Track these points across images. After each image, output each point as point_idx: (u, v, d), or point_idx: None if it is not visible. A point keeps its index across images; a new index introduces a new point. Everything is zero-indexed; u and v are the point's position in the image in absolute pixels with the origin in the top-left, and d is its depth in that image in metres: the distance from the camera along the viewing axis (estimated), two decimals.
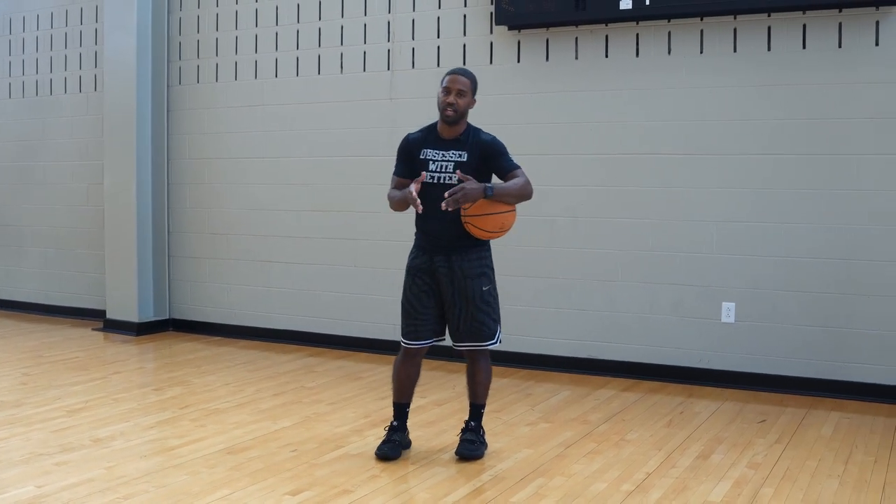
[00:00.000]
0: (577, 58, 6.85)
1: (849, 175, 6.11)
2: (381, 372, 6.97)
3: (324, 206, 7.89)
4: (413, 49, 7.45)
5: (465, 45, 7.24)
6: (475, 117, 7.03)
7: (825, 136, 6.16)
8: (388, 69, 7.55)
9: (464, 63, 7.22)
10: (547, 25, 6.86)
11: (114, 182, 8.55)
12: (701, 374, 6.54)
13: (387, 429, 4.96)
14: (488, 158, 4.73)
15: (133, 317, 8.47)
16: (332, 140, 7.82)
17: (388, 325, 7.60)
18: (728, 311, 6.47)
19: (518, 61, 7.04)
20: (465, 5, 7.21)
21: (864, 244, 6.09)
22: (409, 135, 4.89)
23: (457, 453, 4.87)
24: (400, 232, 7.48)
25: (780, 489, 4.39)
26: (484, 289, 4.77)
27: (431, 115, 7.23)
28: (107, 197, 8.64)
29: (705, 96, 6.47)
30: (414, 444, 5.09)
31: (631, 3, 6.43)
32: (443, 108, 4.68)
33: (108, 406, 5.90)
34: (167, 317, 8.72)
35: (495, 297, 4.87)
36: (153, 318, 8.60)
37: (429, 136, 4.81)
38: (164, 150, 8.59)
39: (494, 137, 4.81)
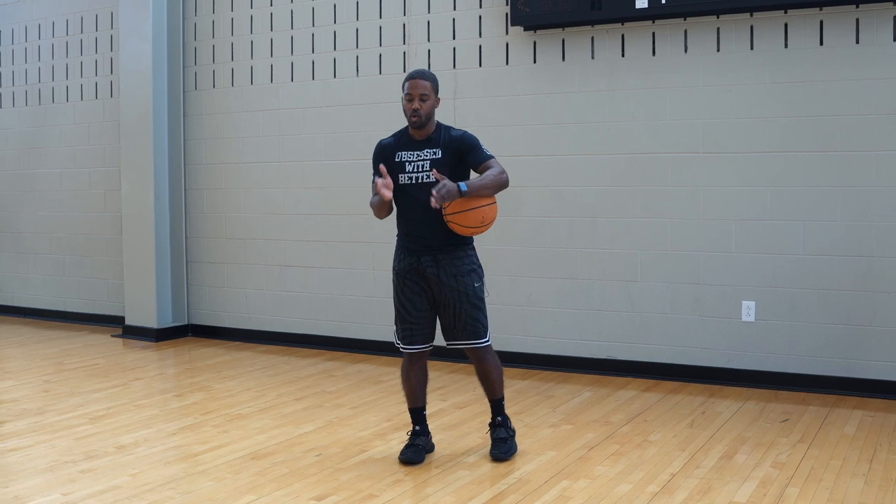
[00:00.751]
0: (593, 58, 6.83)
1: (868, 171, 6.07)
2: (399, 375, 6.94)
3: (341, 209, 7.90)
4: (429, 51, 7.45)
5: (480, 47, 7.24)
6: (493, 117, 7.08)
7: (843, 133, 6.12)
8: (405, 71, 7.55)
9: (479, 65, 7.23)
10: (563, 26, 6.85)
11: (131, 188, 8.58)
12: (722, 374, 6.52)
13: (409, 434, 4.99)
14: (462, 153, 4.80)
15: (152, 323, 8.50)
16: (349, 143, 7.82)
17: None
18: (748, 310, 6.45)
19: (534, 62, 7.03)
20: (481, 6, 7.21)
21: (884, 240, 6.05)
22: (381, 141, 4.97)
23: (491, 455, 4.88)
24: None
25: (806, 489, 4.37)
26: (476, 285, 4.84)
27: (448, 117, 7.29)
28: (124, 203, 8.67)
29: (722, 94, 6.45)
30: (437, 448, 5.10)
31: (647, 1, 6.41)
32: (409, 115, 4.73)
33: (130, 413, 5.92)
34: (186, 322, 8.75)
35: (483, 294, 4.93)
36: (172, 324, 8.63)
37: (401, 140, 4.88)
38: (180, 156, 8.61)
39: (465, 132, 4.88)
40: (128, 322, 8.69)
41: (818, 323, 6.26)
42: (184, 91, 8.60)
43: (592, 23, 6.74)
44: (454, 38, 7.35)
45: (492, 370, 4.96)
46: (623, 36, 6.74)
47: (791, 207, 6.29)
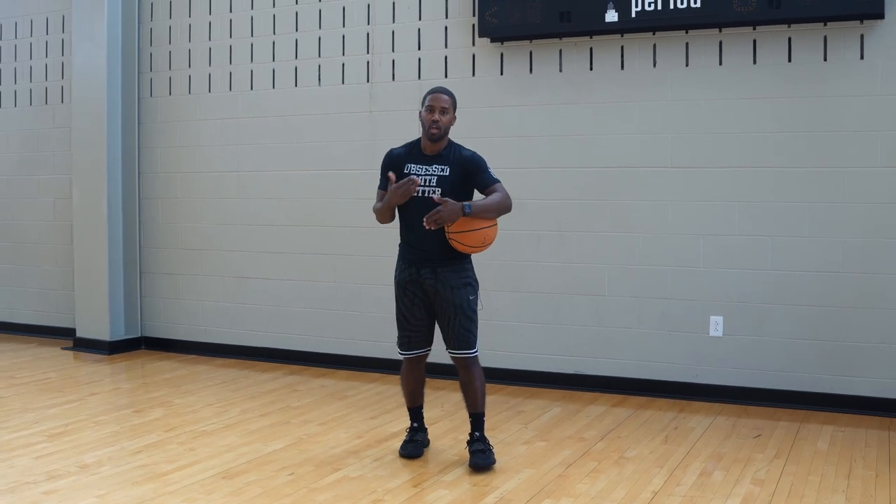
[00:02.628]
0: (561, 70, 6.81)
1: (835, 188, 6.13)
2: (365, 390, 6.86)
3: (301, 220, 7.77)
4: (393, 61, 7.37)
5: (446, 58, 7.17)
6: (459, 129, 6.99)
7: (811, 149, 6.17)
8: (368, 81, 7.45)
9: (445, 76, 7.15)
10: (531, 38, 6.81)
11: (83, 196, 8.35)
12: (691, 389, 6.52)
13: (408, 430, 5.27)
14: (469, 174, 4.92)
15: (104, 335, 8.27)
16: (310, 153, 7.70)
17: (370, 343, 7.51)
18: (716, 325, 6.46)
19: (501, 74, 6.98)
20: (447, 17, 7.14)
21: (852, 256, 6.11)
22: (392, 150, 5.08)
23: (471, 465, 4.92)
24: (381, 247, 7.41)
25: None
26: (471, 298, 4.96)
27: (412, 128, 7.20)
28: (76, 212, 8.43)
29: (691, 109, 6.46)
30: (413, 466, 5.01)
31: (616, 15, 6.41)
32: (427, 126, 4.86)
33: (89, 430, 5.73)
34: (139, 335, 8.53)
35: (477, 307, 5.04)
36: (125, 337, 8.40)
37: (412, 152, 4.99)
38: (135, 164, 8.40)
39: (474, 153, 4.99)
40: (79, 334, 8.44)
41: (786, 338, 6.29)
42: (139, 98, 8.40)
43: (561, 35, 6.72)
44: (419, 49, 7.27)
45: (475, 380, 5.03)
46: (591, 49, 6.72)
47: (759, 223, 6.31)
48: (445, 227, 4.79)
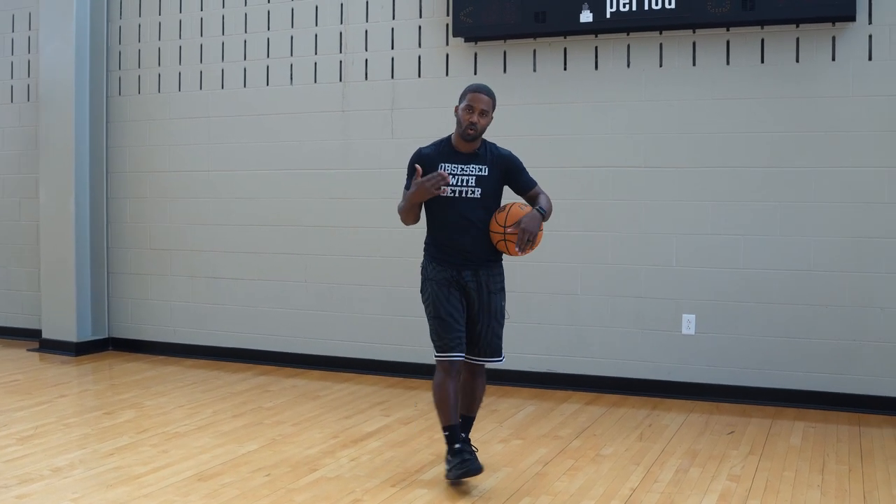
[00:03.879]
0: (535, 70, 6.82)
1: (806, 187, 6.19)
2: (337, 390, 6.83)
3: (273, 220, 7.72)
4: (366, 60, 7.34)
5: (420, 57, 7.16)
6: (432, 129, 6.98)
7: (782, 149, 6.23)
8: (341, 80, 7.42)
9: (419, 75, 7.15)
10: (505, 38, 6.82)
11: (50, 196, 8.24)
12: (664, 387, 6.56)
13: (453, 453, 4.61)
14: (509, 174, 4.78)
15: (71, 336, 8.16)
16: (282, 153, 7.65)
17: (342, 343, 7.48)
18: (689, 323, 6.50)
19: (475, 73, 6.98)
20: (421, 16, 7.13)
21: (823, 256, 6.17)
22: (421, 150, 4.78)
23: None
24: (352, 247, 7.39)
25: (766, 501, 4.39)
26: (503, 304, 4.80)
27: (384, 128, 7.20)
28: (42, 212, 8.32)
29: (664, 109, 6.50)
30: (390, 466, 4.99)
31: (591, 16, 6.43)
32: (465, 126, 4.60)
33: (60, 432, 5.64)
34: (106, 336, 8.43)
35: (505, 313, 4.87)
36: (91, 338, 8.30)
37: (444, 150, 4.73)
38: (103, 163, 8.31)
39: (511, 152, 4.84)
40: (45, 335, 8.33)
41: (757, 336, 6.34)
42: (107, 96, 8.30)
43: (535, 35, 6.73)
44: (393, 48, 7.25)
45: (480, 387, 4.89)
46: (566, 49, 6.74)
47: (732, 222, 6.36)
48: (500, 226, 4.59)
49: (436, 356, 4.73)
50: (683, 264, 6.50)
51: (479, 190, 4.66)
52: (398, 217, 4.79)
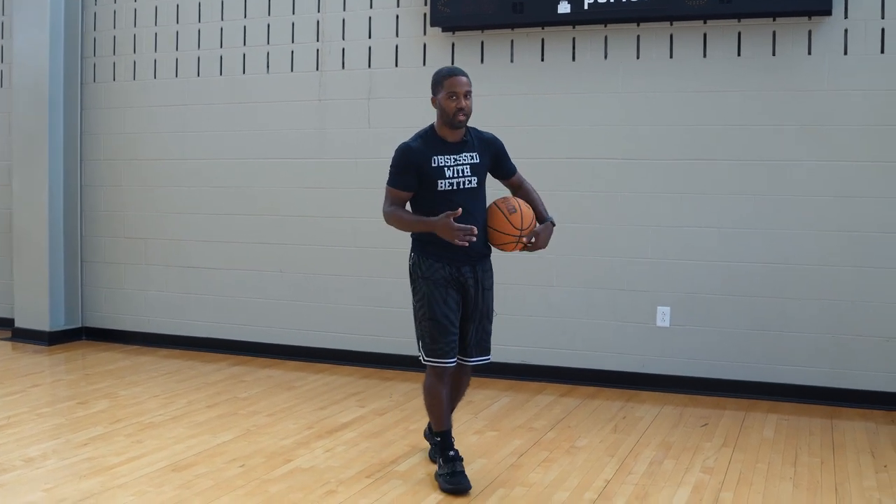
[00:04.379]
0: (512, 61, 6.81)
1: (782, 181, 6.22)
2: (312, 381, 6.81)
3: (249, 210, 7.68)
4: (343, 49, 7.30)
5: (397, 46, 7.13)
6: (409, 119, 6.96)
7: (758, 143, 6.26)
8: (318, 69, 7.38)
9: (396, 65, 7.12)
10: (482, 28, 6.80)
11: (23, 184, 8.15)
12: (638, 379, 6.58)
13: (445, 461, 4.51)
14: (496, 158, 4.64)
15: (44, 325, 8.09)
16: (258, 142, 7.61)
17: (317, 333, 7.46)
18: (663, 316, 6.53)
19: (452, 63, 6.95)
20: (398, 6, 7.10)
21: (798, 249, 6.20)
22: (408, 145, 4.48)
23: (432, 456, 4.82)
24: (329, 237, 7.37)
25: (739, 493, 4.42)
26: (492, 301, 4.69)
27: (361, 117, 7.17)
28: (15, 200, 8.23)
29: (641, 101, 6.51)
30: (364, 456, 4.98)
31: (569, 7, 6.43)
32: (454, 113, 4.37)
33: (33, 422, 5.60)
34: (80, 325, 8.36)
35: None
36: (65, 327, 8.23)
37: (431, 143, 4.48)
38: (77, 151, 8.23)
39: (494, 135, 4.68)
40: (18, 324, 8.24)
41: (732, 328, 6.37)
42: (82, 83, 8.22)
43: (513, 26, 6.72)
44: (370, 37, 7.22)
45: (465, 383, 4.80)
46: (543, 40, 6.73)
47: (707, 214, 6.38)
48: (512, 231, 4.44)
49: (426, 360, 4.53)
50: (659, 257, 6.52)
51: (476, 179, 4.49)
52: (378, 209, 4.62)
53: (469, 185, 4.47)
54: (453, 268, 4.48)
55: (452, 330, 4.49)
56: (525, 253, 6.68)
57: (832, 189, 6.12)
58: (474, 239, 4.29)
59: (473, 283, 4.53)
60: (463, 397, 4.90)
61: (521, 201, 4.57)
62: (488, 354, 4.71)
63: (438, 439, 4.59)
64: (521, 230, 4.45)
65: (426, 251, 4.53)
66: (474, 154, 4.52)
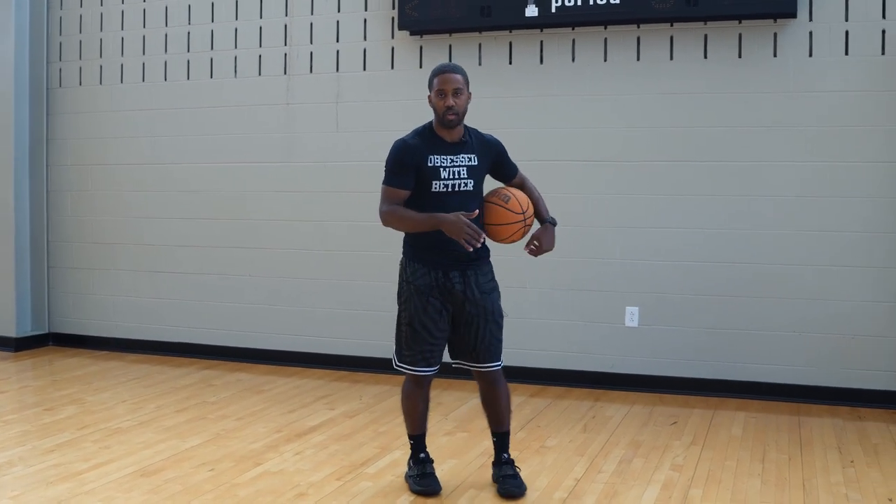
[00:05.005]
0: (480, 64, 6.83)
1: (747, 181, 6.28)
2: (281, 384, 6.79)
3: (217, 214, 7.65)
4: (311, 53, 7.30)
5: (365, 50, 7.14)
6: (377, 122, 6.98)
7: (725, 144, 6.31)
8: (285, 73, 7.37)
9: (364, 68, 7.13)
10: (450, 31, 6.82)
11: None
12: (607, 379, 6.62)
13: (415, 462, 4.51)
14: (496, 161, 4.48)
15: (10, 331, 8.01)
16: (226, 146, 7.58)
17: (286, 337, 7.45)
18: (632, 316, 6.56)
19: (420, 67, 6.97)
20: (367, 9, 7.10)
21: (765, 248, 6.26)
22: (405, 141, 4.32)
23: (502, 493, 4.37)
24: (297, 241, 7.36)
25: (708, 490, 4.45)
26: (499, 303, 4.50)
27: (329, 121, 7.16)
28: None
29: (608, 104, 6.55)
30: (334, 459, 4.97)
31: (536, 10, 6.46)
32: (443, 113, 4.23)
33: None
34: (47, 331, 8.29)
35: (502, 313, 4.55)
36: (31, 333, 8.15)
37: (430, 141, 4.31)
38: (42, 156, 8.17)
39: (494, 137, 4.51)
40: None
41: (700, 327, 6.42)
42: (48, 88, 8.16)
43: (481, 29, 6.74)
44: (338, 41, 7.22)
45: (503, 395, 4.53)
46: (511, 43, 6.76)
47: (675, 215, 6.43)
48: (514, 217, 4.35)
49: (396, 365, 4.45)
50: (627, 257, 6.56)
51: (472, 181, 4.32)
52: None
53: (464, 188, 4.30)
54: (439, 272, 4.31)
55: (429, 340, 4.34)
56: (493, 255, 6.72)
57: (797, 189, 6.18)
58: (479, 245, 4.12)
59: (462, 287, 4.33)
60: (510, 411, 4.60)
61: (510, 188, 4.46)
62: (498, 360, 4.49)
63: (412, 442, 4.55)
64: (524, 212, 4.35)
65: (415, 255, 4.38)
66: (472, 156, 4.34)
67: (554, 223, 4.52)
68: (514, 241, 4.46)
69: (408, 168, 4.27)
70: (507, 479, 4.43)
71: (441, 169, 4.27)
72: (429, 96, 4.31)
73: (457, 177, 4.29)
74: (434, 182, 4.27)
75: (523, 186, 4.59)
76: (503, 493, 4.37)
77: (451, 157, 4.29)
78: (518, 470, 4.51)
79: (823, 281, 6.17)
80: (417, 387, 4.46)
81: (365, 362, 7.15)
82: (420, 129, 4.38)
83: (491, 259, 4.49)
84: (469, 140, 4.36)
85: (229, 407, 6.13)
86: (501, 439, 4.54)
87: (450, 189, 4.28)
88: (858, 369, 6.14)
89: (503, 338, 4.51)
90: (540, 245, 4.47)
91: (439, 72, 4.29)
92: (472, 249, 4.13)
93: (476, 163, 4.34)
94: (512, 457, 4.57)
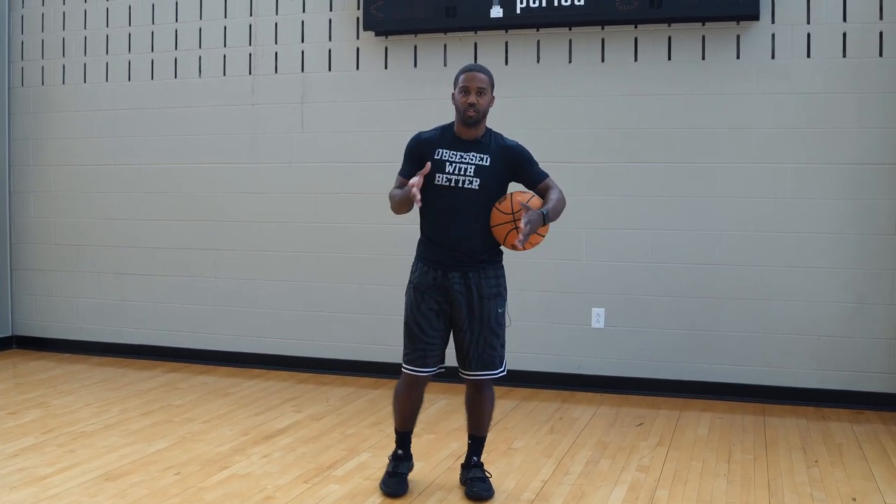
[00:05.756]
0: (445, 65, 6.83)
1: (712, 183, 6.33)
2: (247, 387, 6.76)
3: (181, 215, 7.59)
4: (276, 53, 7.27)
5: (330, 51, 7.12)
6: (343, 123, 6.95)
7: (689, 145, 6.36)
8: (250, 74, 7.33)
9: (329, 69, 7.11)
10: (416, 32, 6.81)
11: None
12: (573, 380, 6.64)
13: (391, 458, 4.55)
14: (517, 167, 4.39)
15: None
16: (190, 147, 7.53)
17: (252, 339, 7.41)
18: (598, 317, 6.59)
19: (385, 68, 6.96)
20: (331, 10, 7.08)
21: (727, 249, 6.32)
22: (420, 133, 4.43)
23: (469, 496, 4.39)
24: (263, 241, 7.33)
25: (674, 491, 4.48)
26: (499, 310, 4.42)
27: (294, 121, 7.13)
28: None
29: (573, 105, 6.58)
30: (301, 462, 4.96)
31: (501, 11, 6.47)
32: (464, 109, 4.24)
33: None
34: (10, 334, 8.20)
35: (504, 321, 4.51)
36: None
37: (444, 136, 4.36)
38: (4, 156, 8.07)
39: (518, 143, 4.44)
40: None
41: (665, 329, 6.46)
42: (9, 87, 8.06)
43: (446, 30, 6.74)
44: (303, 41, 7.19)
45: (486, 402, 4.50)
46: (476, 44, 6.77)
47: (640, 216, 6.47)
48: (511, 216, 4.23)
49: (403, 365, 4.45)
50: (593, 258, 6.59)
51: (478, 181, 4.27)
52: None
53: (469, 186, 4.27)
54: (439, 272, 4.32)
55: (423, 338, 4.35)
56: None
57: (761, 190, 6.24)
58: (415, 199, 4.11)
59: (463, 290, 4.32)
60: (490, 418, 4.58)
61: (520, 192, 4.37)
62: (492, 370, 4.41)
63: (396, 435, 4.59)
64: (513, 213, 4.23)
65: (421, 255, 4.43)
66: (485, 157, 4.31)
67: (545, 214, 4.22)
68: (515, 246, 4.25)
69: (413, 159, 4.37)
70: (475, 481, 4.45)
71: (447, 163, 4.30)
72: (452, 93, 4.33)
73: (461, 173, 4.28)
74: (437, 175, 4.29)
75: (546, 192, 4.40)
76: (471, 495, 4.39)
77: (462, 153, 4.31)
78: (488, 475, 4.52)
79: (789, 282, 6.23)
80: (409, 386, 4.46)
81: (330, 364, 7.13)
82: (442, 125, 4.45)
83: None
84: (486, 141, 4.35)
85: (195, 410, 6.09)
86: (476, 443, 4.57)
87: (452, 184, 4.28)
88: (823, 370, 6.21)
89: (502, 347, 4.47)
90: (526, 220, 4.11)
91: (467, 70, 4.31)
92: (416, 206, 4.19)
93: (487, 164, 4.30)
94: (482, 461, 4.58)
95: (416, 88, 6.90)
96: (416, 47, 6.91)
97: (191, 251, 7.58)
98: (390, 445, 5.10)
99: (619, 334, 6.56)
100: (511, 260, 6.69)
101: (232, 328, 7.50)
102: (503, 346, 4.47)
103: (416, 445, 5.24)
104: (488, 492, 4.40)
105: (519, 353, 6.76)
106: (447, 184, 4.28)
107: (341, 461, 4.97)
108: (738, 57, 6.23)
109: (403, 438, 4.58)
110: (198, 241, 7.56)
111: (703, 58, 6.30)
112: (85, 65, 7.85)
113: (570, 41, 6.56)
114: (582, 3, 6.29)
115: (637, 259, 6.49)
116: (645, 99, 6.42)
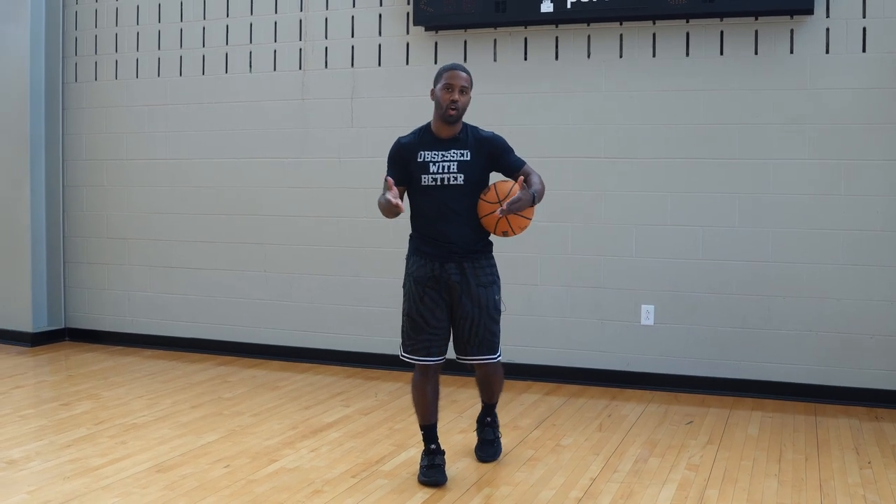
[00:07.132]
0: (495, 60, 6.81)
1: (764, 179, 6.24)
2: (297, 381, 6.80)
3: (231, 209, 7.65)
4: (326, 48, 7.29)
5: (380, 46, 7.13)
6: (393, 118, 6.96)
7: (741, 141, 6.28)
8: (300, 69, 7.37)
9: (379, 64, 7.12)
10: (465, 27, 6.80)
11: (4, 184, 8.10)
12: (622, 377, 6.60)
13: (425, 453, 4.62)
14: (495, 157, 4.57)
15: (27, 326, 8.04)
16: (241, 141, 7.59)
17: (301, 333, 7.45)
18: (647, 314, 6.54)
19: (435, 62, 6.95)
20: (381, 5, 7.09)
21: (779, 246, 6.23)
22: (399, 139, 4.60)
23: (478, 456, 4.91)
24: (312, 236, 7.36)
25: (724, 491, 4.44)
26: (496, 297, 4.62)
27: (344, 117, 7.16)
28: None
29: (625, 100, 6.52)
30: (350, 456, 4.98)
31: (552, 6, 6.44)
32: (446, 106, 4.43)
33: (15, 424, 5.57)
34: (63, 326, 8.32)
35: (500, 307, 4.69)
36: (48, 328, 8.18)
37: (423, 138, 4.54)
38: (58, 151, 8.19)
39: (494, 133, 4.64)
40: (0, 326, 8.20)
41: (715, 326, 6.39)
42: (63, 83, 8.18)
43: (496, 25, 6.72)
44: (353, 36, 7.21)
45: (496, 381, 4.86)
46: (526, 39, 6.74)
47: (690, 213, 6.40)
48: (500, 205, 4.37)
49: (402, 355, 4.64)
50: (643, 255, 6.53)
51: (462, 176, 4.46)
52: (377, 207, 4.53)
53: (454, 182, 4.46)
54: (436, 264, 4.51)
55: (427, 329, 4.52)
56: (508, 252, 6.73)
57: (813, 187, 6.15)
58: (399, 209, 4.26)
59: (460, 279, 4.50)
60: (501, 389, 4.97)
61: (502, 182, 4.54)
62: (493, 353, 4.63)
63: (423, 433, 4.66)
64: (499, 202, 4.40)
65: (415, 248, 4.60)
66: (465, 151, 4.50)
67: (533, 196, 4.37)
68: (506, 233, 4.53)
69: (397, 164, 4.54)
70: (484, 444, 4.91)
71: (430, 164, 4.48)
72: (433, 90, 4.52)
73: (446, 171, 4.47)
74: (423, 176, 4.48)
75: (526, 178, 4.49)
76: (478, 457, 4.89)
77: (443, 152, 4.49)
78: (498, 435, 4.96)
79: (840, 279, 6.13)
80: (423, 376, 4.60)
81: (378, 359, 7.15)
82: (419, 128, 4.63)
83: (501, 255, 4.61)
84: (464, 137, 4.53)
85: (244, 403, 6.14)
86: (488, 407, 4.97)
87: (438, 183, 4.47)
88: (875, 369, 6.10)
89: (499, 331, 4.69)
90: (516, 203, 4.29)
91: (449, 68, 4.51)
92: (437, 179, 4.42)
93: (468, 158, 4.49)
94: (497, 420, 5.01)
95: None
96: (465, 42, 6.90)
97: (241, 245, 7.64)
98: (440, 440, 5.01)
99: (668, 331, 6.50)
100: (559, 256, 6.71)
101: (281, 322, 7.55)
102: (499, 331, 4.70)
103: (463, 442, 5.26)
104: (494, 456, 4.88)
105: (567, 349, 6.74)
106: (434, 183, 4.47)
107: (389, 456, 4.98)
108: (791, 52, 6.14)
109: (430, 433, 4.66)
110: (248, 236, 7.61)
111: (756, 53, 6.21)
112: (137, 60, 7.94)
113: (622, 36, 6.50)
114: None
115: (687, 256, 6.43)
116: (697, 94, 6.35)
